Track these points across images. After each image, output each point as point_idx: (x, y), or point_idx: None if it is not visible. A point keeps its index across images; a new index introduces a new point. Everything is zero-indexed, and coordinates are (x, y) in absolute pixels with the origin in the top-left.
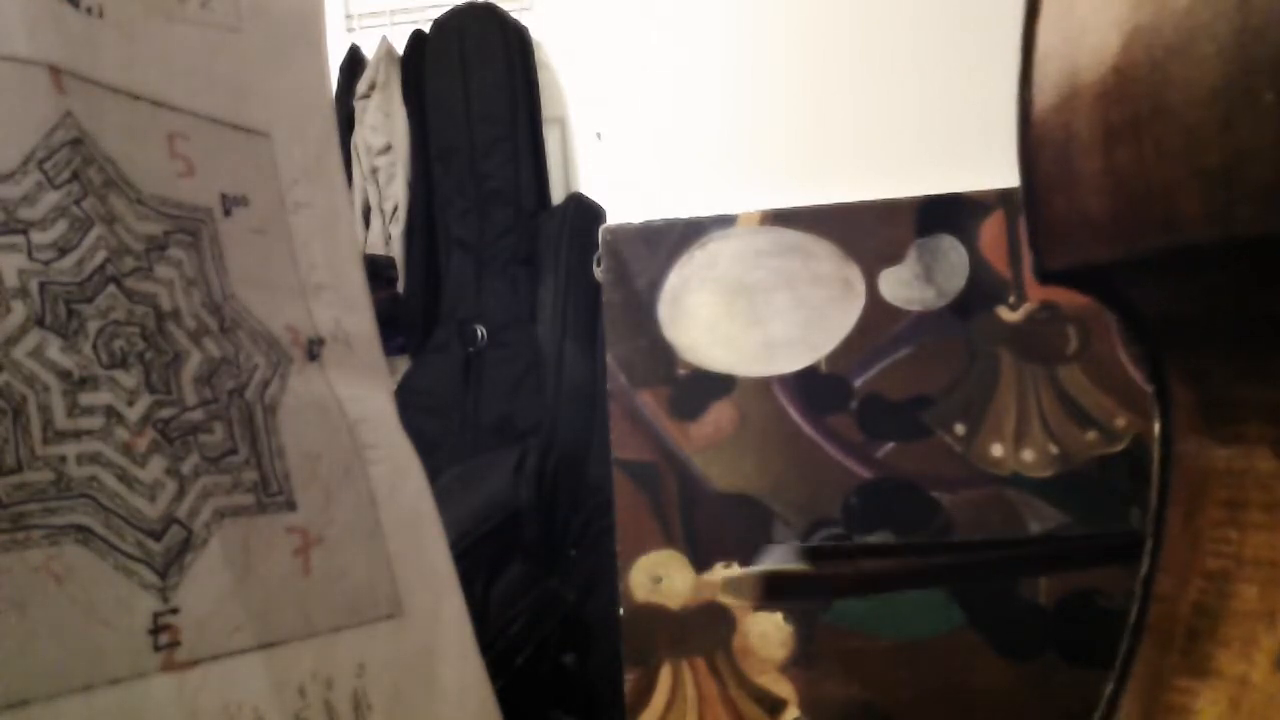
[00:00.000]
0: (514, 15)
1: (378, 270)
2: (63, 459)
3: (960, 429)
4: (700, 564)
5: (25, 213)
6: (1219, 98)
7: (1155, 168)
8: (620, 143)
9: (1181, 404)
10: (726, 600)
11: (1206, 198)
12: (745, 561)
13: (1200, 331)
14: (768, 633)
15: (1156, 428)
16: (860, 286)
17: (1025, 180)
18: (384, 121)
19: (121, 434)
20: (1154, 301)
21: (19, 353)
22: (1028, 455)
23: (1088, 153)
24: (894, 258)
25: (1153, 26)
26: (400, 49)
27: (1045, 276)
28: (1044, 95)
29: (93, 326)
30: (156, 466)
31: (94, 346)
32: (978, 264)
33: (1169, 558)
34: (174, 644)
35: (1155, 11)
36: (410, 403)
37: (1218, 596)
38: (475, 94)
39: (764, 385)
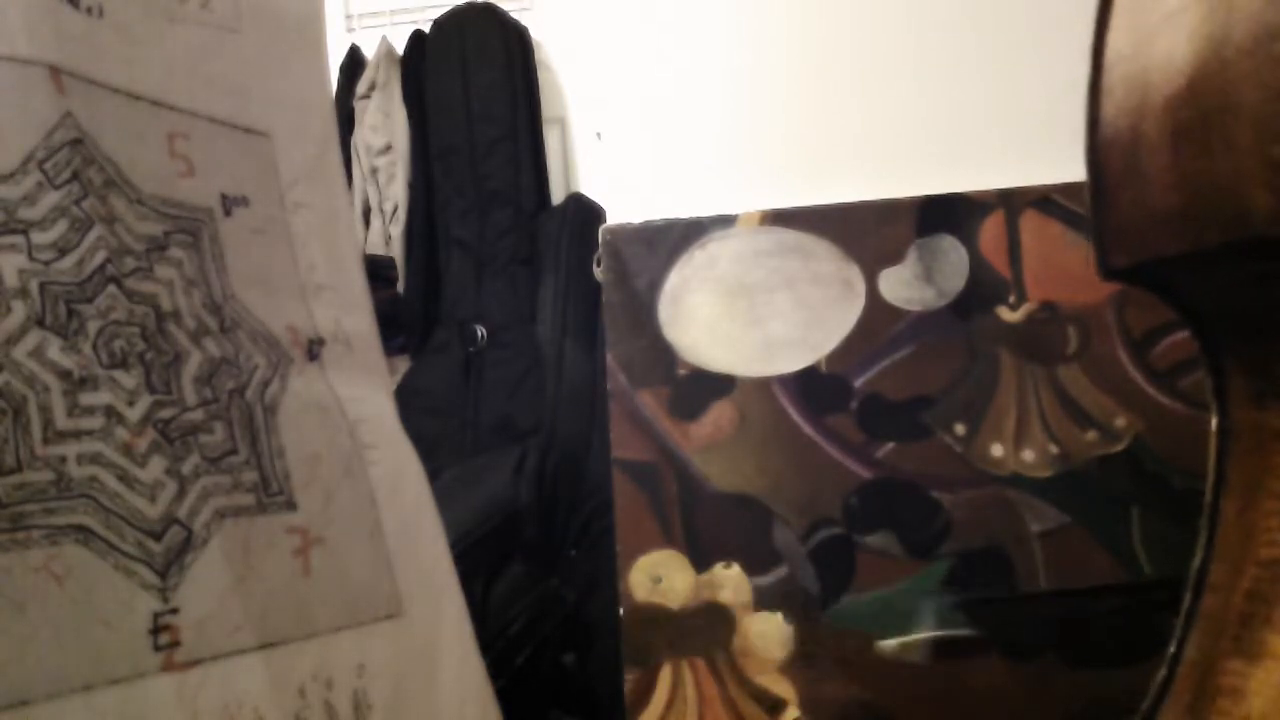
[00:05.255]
0: (514, 15)
1: (378, 270)
2: (63, 459)
3: (960, 429)
4: (700, 564)
5: (25, 213)
6: None
7: (1224, 162)
8: (620, 143)
9: (1239, 398)
10: (726, 600)
11: (1275, 189)
12: (746, 561)
13: (1259, 323)
14: (768, 633)
15: (1214, 422)
16: (860, 286)
17: (1093, 180)
18: (384, 121)
19: (121, 434)
20: (1217, 295)
21: (19, 353)
22: (1028, 455)
23: (1156, 151)
24: (894, 258)
25: (1223, 31)
26: (400, 49)
27: (1110, 274)
28: (1113, 98)
29: (93, 327)
30: (156, 466)
31: (94, 346)
32: (978, 264)
33: (1223, 548)
34: (174, 644)
35: (1226, 17)
36: (410, 403)
37: (1271, 583)
38: (475, 94)
39: (764, 385)
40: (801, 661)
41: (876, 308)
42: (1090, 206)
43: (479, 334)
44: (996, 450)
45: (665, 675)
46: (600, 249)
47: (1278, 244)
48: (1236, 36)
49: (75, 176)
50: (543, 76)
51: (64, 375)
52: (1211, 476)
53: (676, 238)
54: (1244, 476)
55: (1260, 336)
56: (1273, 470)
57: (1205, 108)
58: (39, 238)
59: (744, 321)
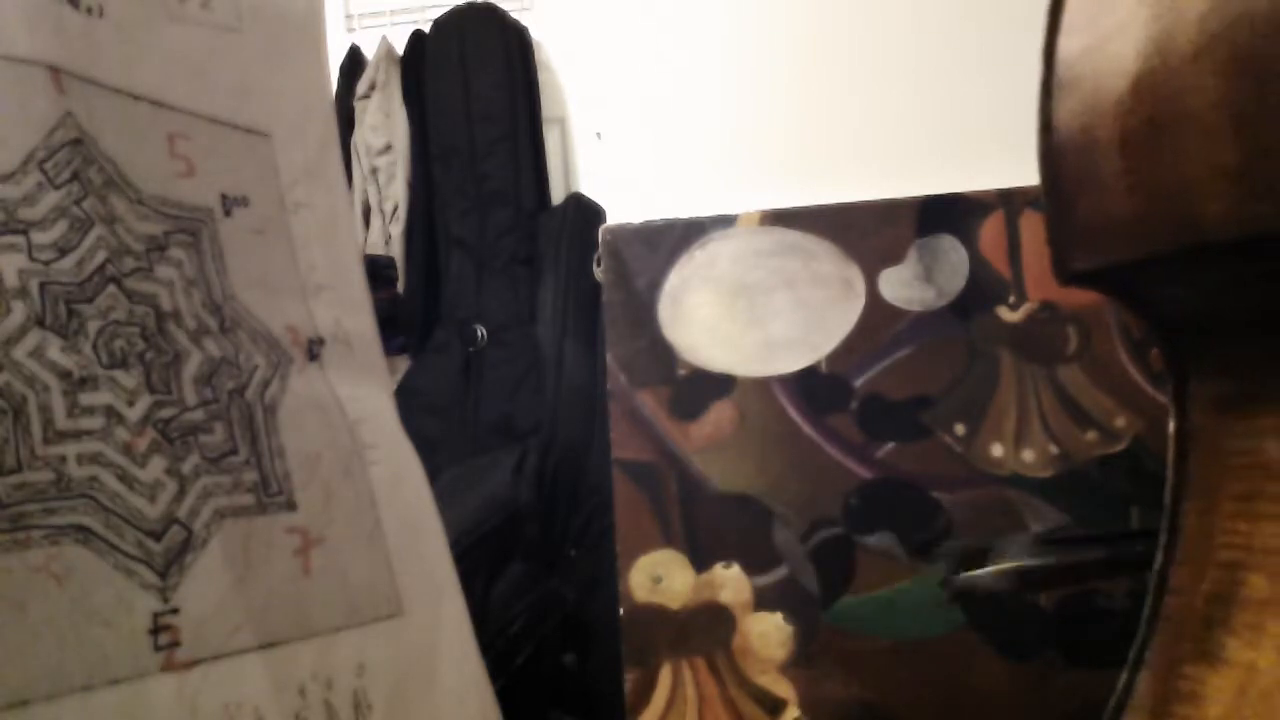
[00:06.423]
0: (514, 15)
1: (378, 270)
2: (63, 459)
3: (960, 429)
4: (700, 564)
5: (25, 213)
6: (1232, 101)
7: (1174, 169)
8: (620, 143)
9: (1200, 401)
10: (726, 600)
11: (1224, 197)
12: (746, 561)
13: (1220, 327)
14: (768, 633)
15: (1172, 425)
16: (860, 286)
17: (1048, 184)
18: (384, 121)
19: (122, 434)
20: (1176, 299)
21: (19, 353)
22: (1028, 455)
23: (1109, 156)
24: (894, 258)
25: (1170, 35)
26: (400, 49)
27: (1069, 278)
28: (1066, 103)
29: (93, 327)
30: (156, 466)
31: (94, 347)
32: (978, 264)
33: (1185, 551)
34: (174, 644)
35: (1172, 21)
36: (410, 403)
37: (1230, 586)
38: (475, 94)
39: (764, 385)
40: (801, 661)
41: (876, 308)
42: (1046, 210)
43: (479, 334)
44: (996, 450)
45: (665, 675)
46: (600, 249)
47: (1229, 250)
48: (1181, 41)
49: (75, 176)
50: (543, 76)
51: (64, 375)
52: (1171, 478)
53: (676, 238)
54: (1204, 478)
55: (1221, 339)
56: (1232, 472)
57: (1154, 114)
58: (39, 238)
59: (744, 321)
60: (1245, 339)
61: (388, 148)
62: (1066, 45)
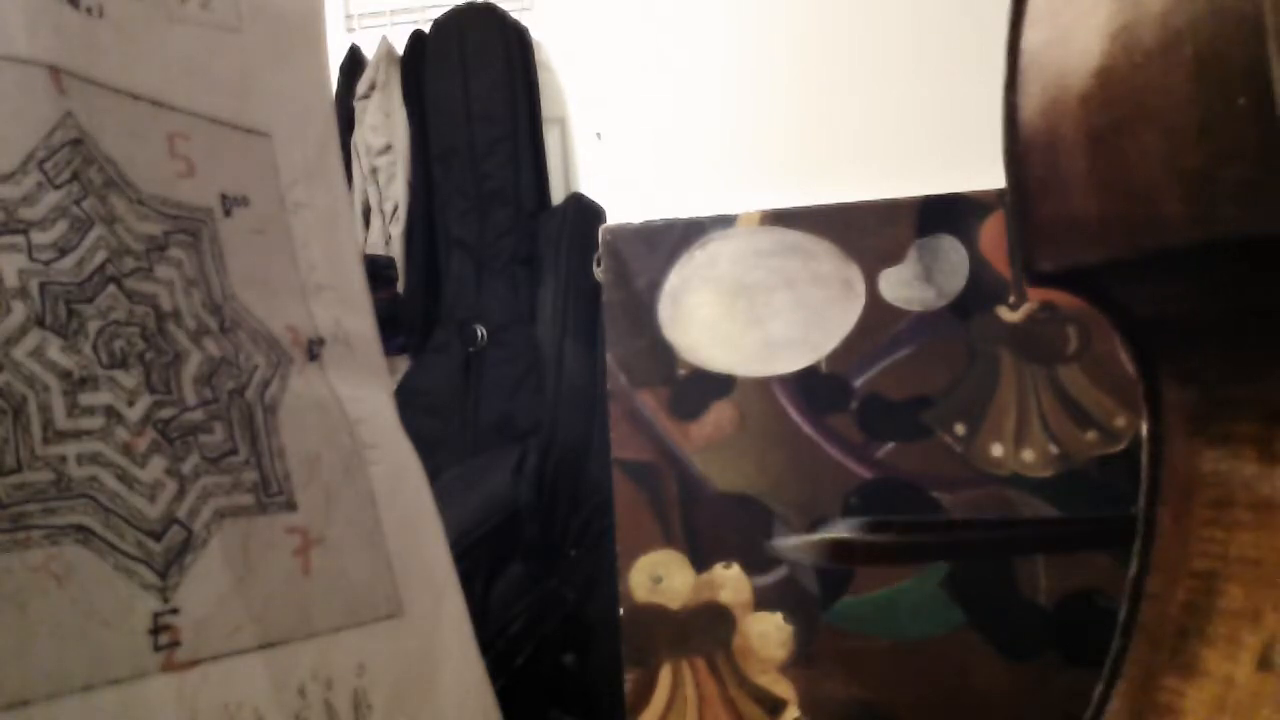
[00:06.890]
0: (514, 15)
1: (378, 270)
2: (63, 459)
3: (960, 429)
4: (700, 564)
5: (25, 213)
6: (1196, 101)
7: (1138, 170)
8: (620, 143)
9: (1172, 404)
10: (726, 600)
11: (1188, 199)
12: (746, 561)
13: (1191, 331)
14: (768, 633)
15: (1145, 428)
16: (860, 286)
17: (1013, 183)
18: (384, 121)
19: (121, 434)
20: (1145, 302)
21: (19, 353)
22: (1028, 455)
23: (1073, 155)
24: (894, 258)
25: (1133, 30)
26: (400, 49)
27: (1035, 278)
28: (1031, 99)
29: (93, 327)
30: (156, 467)
31: (94, 347)
32: (978, 264)
33: (1160, 557)
34: (174, 644)
35: (1135, 16)
36: (410, 403)
37: (1206, 595)
38: (475, 94)
39: (764, 385)
40: (801, 661)
41: (876, 308)
42: (1011, 209)
43: (479, 334)
44: (996, 450)
45: (665, 675)
46: (600, 249)
47: (1192, 255)
48: (1145, 38)
49: (75, 176)
50: (543, 76)
51: (64, 375)
52: (1145, 483)
53: (676, 238)
54: (1177, 485)
55: (1188, 343)
56: (1205, 479)
57: (1118, 113)
58: (39, 238)
59: (744, 321)
60: (1216, 342)
61: (388, 148)
62: (1031, 37)
